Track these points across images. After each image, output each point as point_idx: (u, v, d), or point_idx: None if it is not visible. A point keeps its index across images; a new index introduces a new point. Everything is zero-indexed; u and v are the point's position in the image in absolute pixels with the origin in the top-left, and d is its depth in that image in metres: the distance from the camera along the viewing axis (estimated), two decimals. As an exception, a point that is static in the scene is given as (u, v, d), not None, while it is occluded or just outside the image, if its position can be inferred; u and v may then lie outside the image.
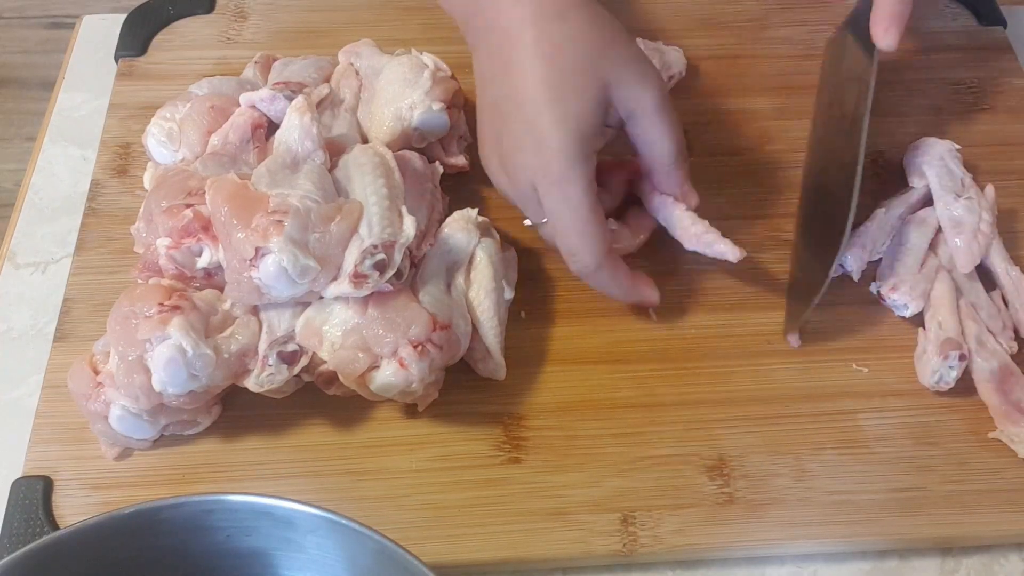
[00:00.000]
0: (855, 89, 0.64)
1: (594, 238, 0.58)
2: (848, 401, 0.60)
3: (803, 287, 0.63)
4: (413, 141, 0.66)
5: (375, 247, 0.55)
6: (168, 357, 0.53)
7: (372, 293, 0.56)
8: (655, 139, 0.60)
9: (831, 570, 0.56)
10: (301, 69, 0.68)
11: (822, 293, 0.60)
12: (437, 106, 0.64)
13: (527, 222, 0.62)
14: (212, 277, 0.58)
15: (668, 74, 0.74)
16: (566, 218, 0.58)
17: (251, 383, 0.56)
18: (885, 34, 0.60)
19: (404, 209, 0.57)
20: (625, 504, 0.57)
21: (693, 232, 0.62)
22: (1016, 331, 0.63)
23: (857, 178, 0.60)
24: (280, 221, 0.54)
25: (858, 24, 0.65)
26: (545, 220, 0.59)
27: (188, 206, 0.57)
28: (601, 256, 0.58)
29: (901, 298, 0.62)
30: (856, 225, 0.66)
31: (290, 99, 0.61)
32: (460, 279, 0.60)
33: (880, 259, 0.66)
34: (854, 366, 0.62)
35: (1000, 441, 0.59)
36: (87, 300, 0.64)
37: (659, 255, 0.66)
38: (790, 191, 0.70)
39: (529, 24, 0.57)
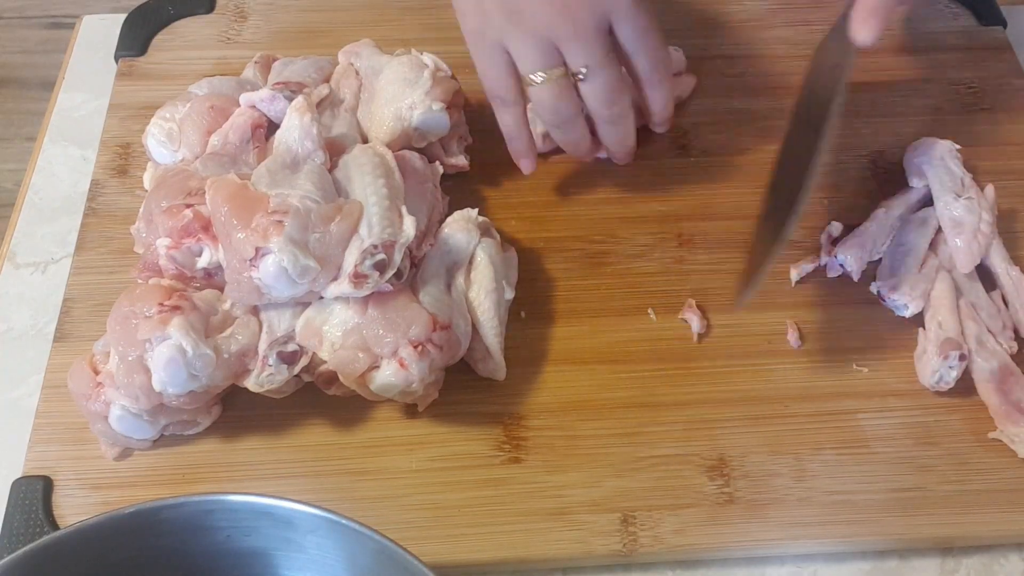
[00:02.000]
0: (830, 79, 0.62)
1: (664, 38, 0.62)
2: (848, 401, 0.60)
3: (757, 256, 0.61)
4: (413, 141, 0.66)
5: (375, 247, 0.55)
6: (168, 357, 0.53)
7: (372, 293, 0.56)
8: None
9: (831, 570, 0.56)
10: (301, 69, 0.68)
11: (770, 263, 0.58)
12: (437, 106, 0.64)
13: (539, 77, 0.60)
14: (212, 277, 0.58)
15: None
16: (654, 25, 0.60)
17: (251, 383, 0.56)
18: (863, 27, 0.57)
19: (404, 209, 0.57)
20: (625, 504, 0.57)
21: None
22: (1016, 331, 0.63)
23: (824, 139, 0.58)
24: (280, 221, 0.54)
25: (843, 28, 0.64)
26: (588, 68, 0.59)
27: (188, 206, 0.57)
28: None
29: (901, 298, 0.62)
30: (856, 225, 0.66)
31: (290, 99, 0.61)
32: (460, 279, 0.60)
33: (880, 259, 0.66)
34: (854, 366, 0.62)
35: (1000, 441, 0.59)
36: (87, 300, 0.64)
37: (660, 255, 0.66)
38: (790, 191, 0.69)
39: None
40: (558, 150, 0.70)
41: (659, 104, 0.66)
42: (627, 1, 0.58)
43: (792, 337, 0.62)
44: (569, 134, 0.64)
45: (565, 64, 0.60)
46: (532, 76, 0.60)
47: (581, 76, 0.60)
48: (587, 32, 0.58)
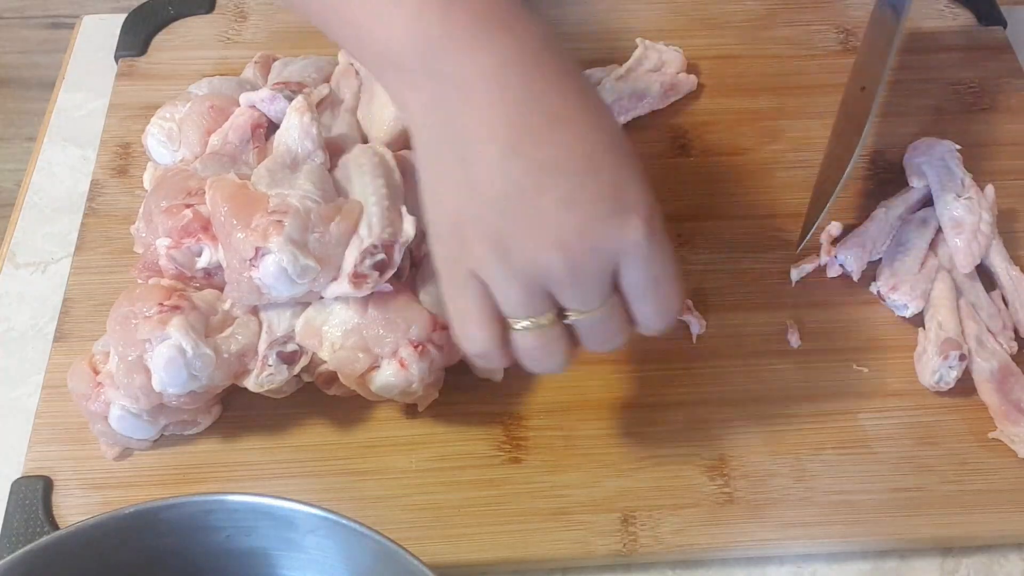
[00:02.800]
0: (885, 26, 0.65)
1: (681, 285, 0.50)
2: (848, 401, 0.60)
3: (816, 203, 0.64)
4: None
5: (375, 247, 0.55)
6: (168, 357, 0.53)
7: (372, 293, 0.56)
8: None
9: (831, 570, 0.56)
10: (301, 69, 0.68)
11: (828, 207, 0.63)
12: (437, 106, 0.64)
13: (523, 324, 0.48)
14: (212, 277, 0.58)
15: (670, 80, 0.74)
16: (668, 273, 0.48)
17: (251, 383, 0.56)
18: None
19: (404, 209, 0.57)
20: (625, 504, 0.57)
21: None
22: (1016, 331, 0.63)
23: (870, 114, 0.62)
24: (280, 221, 0.54)
25: None
26: (583, 314, 0.48)
27: (188, 206, 0.57)
28: None
29: (901, 298, 0.62)
30: (856, 225, 0.66)
31: (290, 99, 0.61)
32: (460, 279, 0.60)
33: (880, 259, 0.65)
34: (854, 366, 0.62)
35: (1000, 441, 0.59)
36: (87, 300, 0.64)
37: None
38: (790, 191, 0.69)
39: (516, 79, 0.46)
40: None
41: (650, 331, 0.51)
42: (640, 245, 0.46)
43: (792, 337, 0.62)
44: (552, 371, 0.52)
45: (556, 305, 0.48)
46: (512, 322, 0.48)
47: (573, 319, 0.48)
48: (587, 279, 0.47)
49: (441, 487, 0.57)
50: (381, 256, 0.55)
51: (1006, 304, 0.64)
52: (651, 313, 0.49)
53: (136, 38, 0.77)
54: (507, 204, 0.46)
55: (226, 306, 0.57)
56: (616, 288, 0.48)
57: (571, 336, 0.50)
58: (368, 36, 0.49)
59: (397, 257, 0.56)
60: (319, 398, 0.59)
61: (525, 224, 0.46)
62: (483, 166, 0.46)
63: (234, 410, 0.60)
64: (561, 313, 0.48)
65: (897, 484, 0.57)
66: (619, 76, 0.73)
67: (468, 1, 0.46)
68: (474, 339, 0.49)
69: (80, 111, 0.76)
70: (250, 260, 0.54)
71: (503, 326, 0.49)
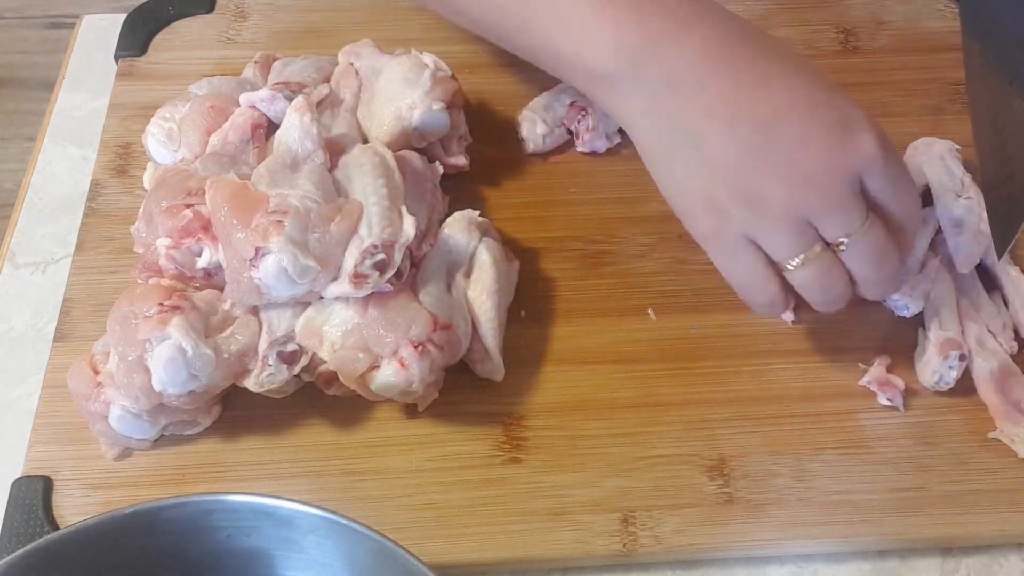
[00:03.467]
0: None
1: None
2: (848, 401, 0.60)
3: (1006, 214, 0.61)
4: (413, 141, 0.66)
5: (375, 247, 0.55)
6: (168, 357, 0.53)
7: (372, 293, 0.56)
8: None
9: (831, 570, 0.56)
10: (301, 69, 0.68)
11: None
12: (437, 106, 0.64)
13: (796, 261, 0.53)
14: (212, 277, 0.58)
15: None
16: (905, 174, 0.54)
17: (251, 383, 0.56)
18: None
19: (404, 209, 0.57)
20: (625, 504, 0.57)
21: None
22: (1016, 331, 0.63)
23: None
24: (280, 221, 0.54)
25: None
26: (850, 236, 0.52)
27: (188, 206, 0.57)
28: None
29: (901, 298, 0.62)
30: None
31: (290, 99, 0.61)
32: (460, 279, 0.60)
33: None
34: (860, 365, 0.62)
35: (1000, 441, 0.59)
36: (87, 300, 0.64)
37: (660, 255, 0.66)
38: (790, 191, 0.69)
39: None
40: (557, 150, 0.70)
41: (907, 253, 0.58)
42: (875, 152, 0.51)
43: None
44: (838, 304, 0.57)
45: (821, 237, 0.53)
46: (787, 263, 0.54)
47: (843, 247, 0.53)
48: (840, 200, 0.51)
49: (441, 487, 0.57)
50: (381, 256, 0.55)
51: (1006, 304, 0.64)
52: (902, 214, 0.54)
53: (136, 38, 0.77)
54: (748, 163, 0.52)
55: (226, 306, 0.57)
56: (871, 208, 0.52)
57: (844, 268, 0.54)
58: (576, 60, 0.55)
59: (397, 257, 0.56)
60: (319, 398, 0.59)
61: (771, 174, 0.51)
62: (714, 141, 0.52)
63: (234, 410, 0.60)
64: (831, 248, 0.53)
65: (897, 484, 0.57)
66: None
67: (658, 4, 0.53)
68: (761, 292, 0.55)
69: (80, 111, 0.76)
70: (250, 260, 0.54)
71: (780, 274, 0.54)
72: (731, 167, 0.52)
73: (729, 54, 0.53)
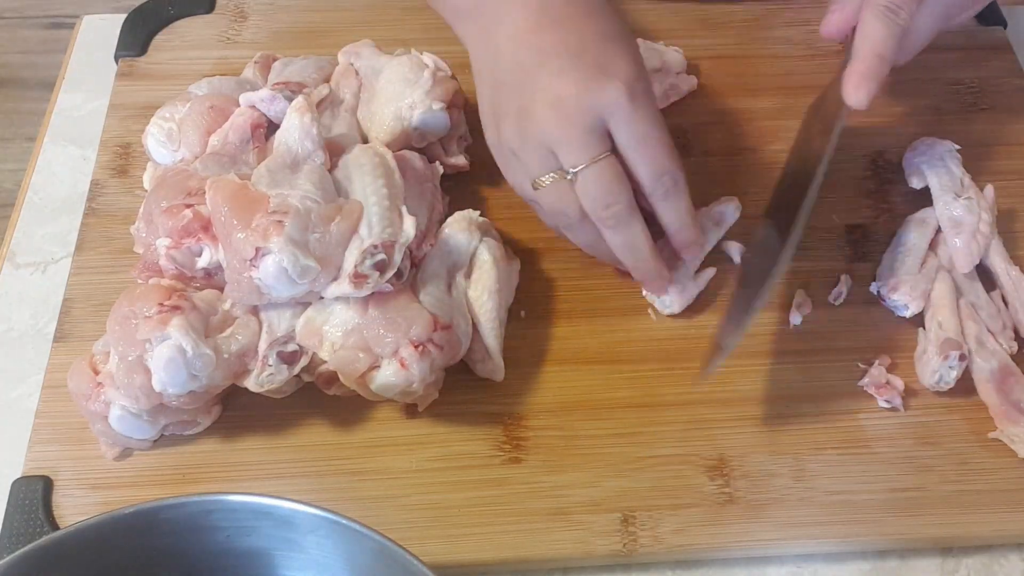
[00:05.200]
0: (810, 157, 0.63)
1: (675, 153, 0.59)
2: (848, 401, 0.60)
3: (728, 328, 0.61)
4: (413, 141, 0.66)
5: (375, 247, 0.55)
6: (168, 357, 0.53)
7: (372, 293, 0.56)
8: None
9: (831, 570, 0.56)
10: (301, 69, 0.68)
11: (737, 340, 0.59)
12: (437, 106, 0.64)
13: (546, 178, 0.58)
14: (212, 277, 0.58)
15: (670, 80, 0.74)
16: (654, 134, 0.57)
17: (251, 383, 0.56)
18: (855, 91, 0.59)
19: (404, 209, 0.57)
20: (625, 504, 0.57)
21: None
22: (1016, 331, 0.63)
23: (797, 230, 0.59)
24: (280, 221, 0.54)
25: (832, 95, 0.64)
26: (578, 168, 0.57)
27: (188, 206, 0.57)
28: (682, 175, 0.59)
29: (901, 298, 0.62)
30: (857, 226, 0.66)
31: (290, 99, 0.61)
32: (461, 279, 0.60)
33: (880, 259, 0.66)
34: (860, 365, 0.62)
35: (1000, 441, 0.59)
36: (87, 300, 0.64)
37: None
38: (790, 191, 0.70)
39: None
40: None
41: (670, 221, 0.60)
42: (624, 102, 0.56)
43: (794, 316, 0.63)
44: (579, 236, 0.61)
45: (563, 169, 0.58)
46: (537, 180, 0.59)
47: (571, 177, 0.57)
48: (578, 132, 0.57)
49: (441, 487, 0.57)
50: (381, 256, 0.55)
51: (1006, 304, 0.64)
52: (646, 175, 0.58)
53: (136, 38, 0.77)
54: (517, 80, 0.58)
55: (226, 306, 0.57)
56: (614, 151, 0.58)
57: (577, 201, 0.58)
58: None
59: (397, 257, 0.56)
60: (319, 398, 0.59)
61: (529, 94, 0.58)
62: (503, 56, 0.59)
63: (234, 410, 0.60)
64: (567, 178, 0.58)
65: (897, 484, 0.57)
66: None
67: None
68: (523, 191, 0.61)
69: (80, 111, 0.76)
70: (250, 260, 0.54)
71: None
72: (506, 83, 0.59)
73: (566, 10, 0.59)
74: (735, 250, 0.66)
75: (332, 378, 0.58)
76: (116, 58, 0.77)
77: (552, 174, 0.58)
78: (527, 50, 0.58)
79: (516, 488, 0.57)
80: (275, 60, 0.70)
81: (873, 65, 0.59)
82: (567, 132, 0.57)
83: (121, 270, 0.64)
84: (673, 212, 0.60)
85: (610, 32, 0.59)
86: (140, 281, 0.59)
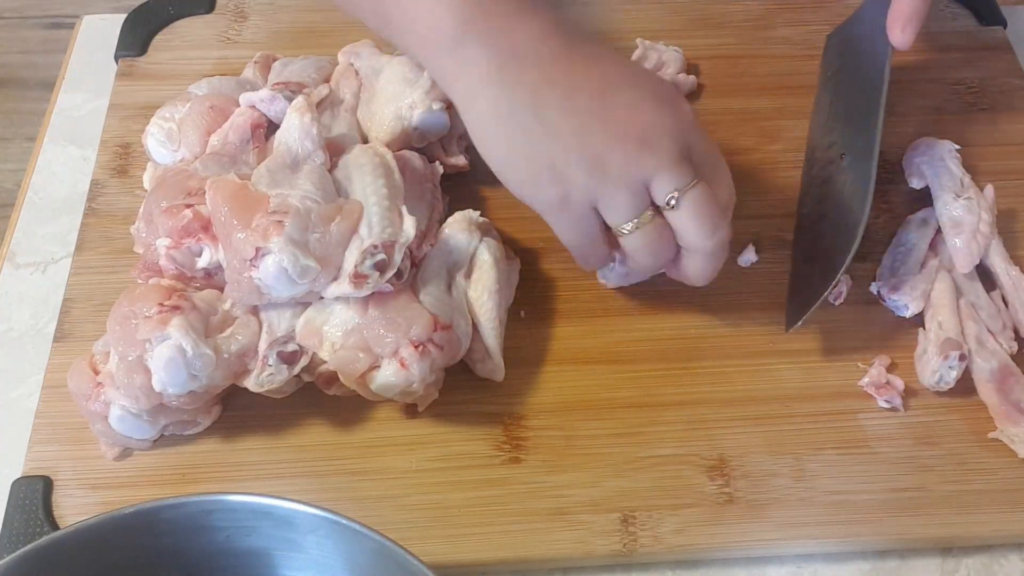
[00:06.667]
0: (866, 88, 0.64)
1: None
2: (848, 401, 0.60)
3: (807, 285, 0.63)
4: (413, 141, 0.66)
5: (375, 247, 0.55)
6: (168, 357, 0.53)
7: (372, 293, 0.56)
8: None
9: (831, 570, 0.56)
10: (301, 69, 0.68)
11: (826, 295, 0.60)
12: (437, 105, 0.64)
13: (629, 226, 0.55)
14: (212, 277, 0.58)
15: (670, 78, 0.74)
16: (722, 170, 0.57)
17: (251, 383, 0.56)
18: (902, 33, 0.62)
19: (404, 209, 0.57)
20: (625, 504, 0.57)
21: None
22: (1016, 331, 0.63)
23: (871, 181, 0.61)
24: (280, 221, 0.54)
25: (864, 22, 0.65)
26: (676, 193, 0.54)
27: (188, 206, 0.57)
28: None
29: (901, 298, 0.62)
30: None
31: (290, 99, 0.61)
32: (461, 279, 0.60)
33: (880, 259, 0.66)
34: (860, 365, 0.62)
35: (1000, 441, 0.59)
36: (87, 300, 0.64)
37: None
38: (790, 191, 0.70)
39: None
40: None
41: (696, 277, 0.59)
42: (695, 119, 0.56)
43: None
44: (659, 268, 0.60)
45: (652, 203, 0.55)
46: (622, 227, 0.56)
47: (672, 203, 0.55)
48: (671, 158, 0.54)
49: (441, 487, 0.57)
50: (381, 256, 0.55)
51: (1006, 304, 0.64)
52: (721, 184, 0.57)
53: (136, 38, 0.77)
54: (587, 128, 0.54)
55: (226, 306, 0.58)
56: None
57: (672, 234, 0.56)
58: (419, 23, 0.57)
59: (397, 257, 0.56)
60: (319, 398, 0.59)
61: (609, 137, 0.54)
62: (554, 108, 0.54)
63: (234, 410, 0.60)
64: (661, 213, 0.56)
65: (897, 484, 0.57)
66: (619, 76, 0.73)
67: None
68: (597, 256, 0.60)
69: (80, 111, 0.76)
70: (250, 260, 0.54)
71: (614, 237, 0.57)
72: (572, 132, 0.54)
73: (566, 38, 0.56)
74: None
75: (332, 378, 0.58)
76: (116, 58, 0.77)
77: (643, 215, 0.55)
78: (580, 92, 0.55)
79: (516, 488, 0.57)
80: (275, 60, 0.70)
81: (918, 5, 0.61)
82: (661, 161, 0.54)
83: (121, 270, 0.64)
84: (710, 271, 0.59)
85: (623, 56, 0.59)
86: (140, 281, 0.59)
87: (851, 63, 0.69)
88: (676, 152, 0.54)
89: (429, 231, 0.61)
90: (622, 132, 0.54)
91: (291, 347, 0.57)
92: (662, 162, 0.54)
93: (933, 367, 0.60)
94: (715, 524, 0.56)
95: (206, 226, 0.57)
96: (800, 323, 0.61)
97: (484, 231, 0.62)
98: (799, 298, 0.63)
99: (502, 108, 0.55)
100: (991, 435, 0.59)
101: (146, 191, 0.65)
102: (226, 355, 0.55)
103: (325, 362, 0.57)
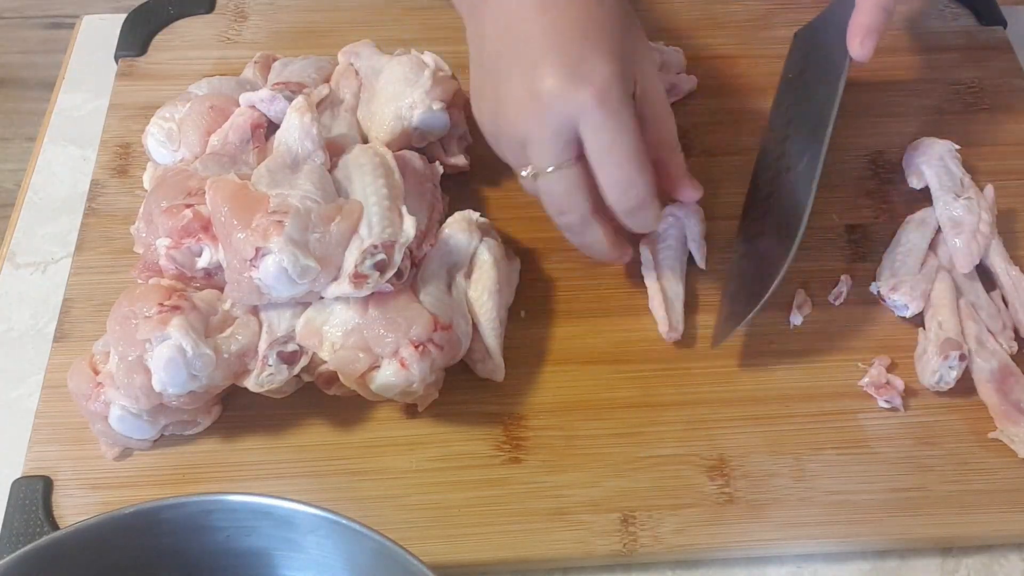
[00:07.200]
0: (821, 100, 0.63)
1: (646, 166, 0.56)
2: (848, 401, 0.60)
3: (740, 299, 0.62)
4: (413, 141, 0.66)
5: (375, 247, 0.55)
6: (168, 357, 0.53)
7: (373, 293, 0.56)
8: (666, 116, 0.60)
9: (831, 570, 0.56)
10: (301, 69, 0.68)
11: (748, 319, 0.60)
12: (437, 105, 0.64)
13: (527, 172, 0.57)
14: (212, 277, 0.58)
15: (670, 79, 0.74)
16: (623, 145, 0.54)
17: (251, 383, 0.56)
18: (861, 46, 0.61)
19: (404, 209, 0.57)
20: (625, 504, 0.57)
21: None
22: (1016, 331, 0.63)
23: (812, 191, 0.59)
24: (280, 221, 0.54)
25: (829, 25, 0.65)
26: (539, 171, 0.56)
27: (188, 206, 0.57)
28: (651, 188, 0.57)
29: (901, 298, 0.62)
30: (856, 226, 0.66)
31: (290, 99, 0.61)
32: (461, 279, 0.60)
33: (881, 259, 0.66)
34: (860, 365, 0.62)
35: (1000, 441, 0.59)
36: (87, 300, 0.64)
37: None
38: (790, 191, 0.70)
39: None
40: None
41: (639, 232, 0.61)
42: (594, 107, 0.53)
43: (794, 317, 0.63)
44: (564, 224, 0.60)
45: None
46: (516, 171, 0.59)
47: (533, 178, 0.57)
48: (545, 134, 0.55)
49: (441, 487, 0.57)
50: (381, 256, 0.55)
51: (1006, 304, 0.64)
52: (609, 183, 0.56)
53: (136, 38, 0.77)
54: (496, 68, 0.57)
55: (226, 306, 0.57)
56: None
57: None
58: None
59: (397, 257, 0.56)
60: (319, 398, 0.59)
61: (505, 86, 0.56)
62: (487, 39, 0.57)
63: (234, 410, 0.60)
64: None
65: (897, 484, 0.57)
66: (619, 76, 0.73)
67: None
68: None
69: (80, 111, 0.76)
70: (250, 260, 0.54)
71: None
72: (489, 69, 0.58)
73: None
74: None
75: (332, 378, 0.58)
76: (116, 58, 0.77)
77: (523, 171, 0.57)
78: (508, 36, 0.56)
79: (516, 488, 0.57)
80: (275, 60, 0.70)
81: (877, 17, 0.60)
82: (537, 131, 0.55)
83: (121, 270, 0.64)
84: (640, 226, 0.59)
85: (597, 23, 0.55)
86: (140, 281, 0.59)
87: (812, 69, 0.68)
88: (552, 127, 0.54)
89: (429, 231, 0.61)
90: (515, 91, 0.55)
91: (291, 347, 0.57)
92: (536, 134, 0.55)
93: (933, 367, 0.60)
94: (715, 524, 0.56)
95: (206, 226, 0.57)
96: (724, 340, 0.61)
97: (484, 231, 0.62)
98: (726, 319, 0.62)
99: (469, 30, 0.60)
100: (991, 435, 0.59)
101: (146, 191, 0.65)
102: (226, 355, 0.55)
103: (325, 362, 0.57)
